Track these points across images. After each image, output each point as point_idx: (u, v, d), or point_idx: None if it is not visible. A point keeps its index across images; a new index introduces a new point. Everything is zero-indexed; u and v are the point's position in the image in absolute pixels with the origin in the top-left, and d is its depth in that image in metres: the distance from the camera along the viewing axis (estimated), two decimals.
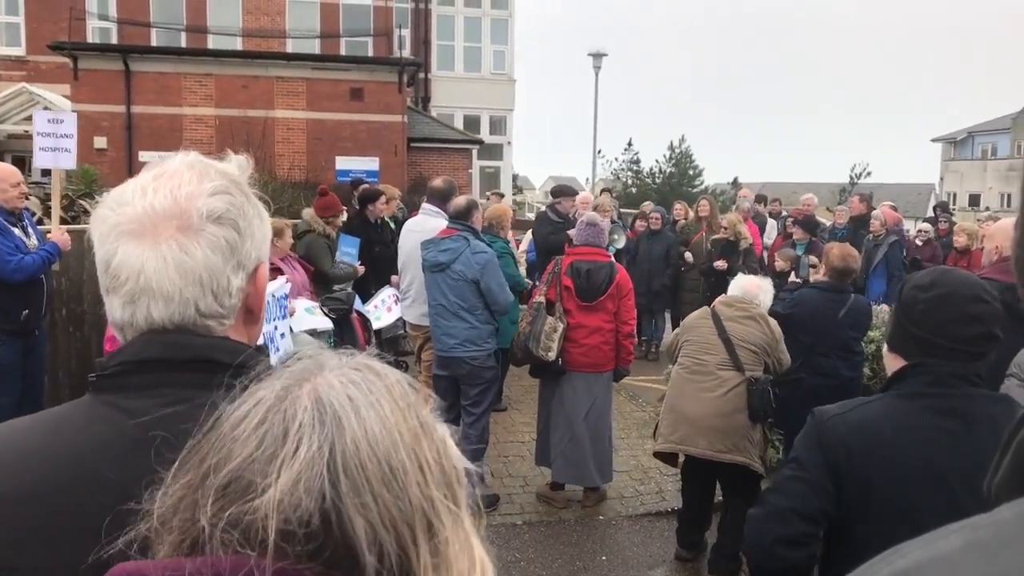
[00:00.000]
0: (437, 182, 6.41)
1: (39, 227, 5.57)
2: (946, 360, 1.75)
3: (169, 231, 1.02)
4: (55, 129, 5.58)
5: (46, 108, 16.60)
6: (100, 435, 1.00)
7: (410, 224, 6.52)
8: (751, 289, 4.84)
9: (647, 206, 12.48)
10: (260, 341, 1.27)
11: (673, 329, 10.83)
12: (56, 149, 5.59)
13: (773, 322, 4.73)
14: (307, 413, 0.66)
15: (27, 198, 5.44)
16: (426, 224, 6.00)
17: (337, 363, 0.72)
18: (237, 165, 1.13)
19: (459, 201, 5.61)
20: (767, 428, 4.66)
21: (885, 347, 1.96)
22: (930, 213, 13.38)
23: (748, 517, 1.95)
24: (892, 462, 1.73)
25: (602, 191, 14.53)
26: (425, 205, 6.29)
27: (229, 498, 0.63)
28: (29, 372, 5.15)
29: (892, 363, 1.91)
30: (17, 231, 4.97)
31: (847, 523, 1.79)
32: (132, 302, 1.03)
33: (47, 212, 8.48)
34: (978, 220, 15.45)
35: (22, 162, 14.22)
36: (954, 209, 32.17)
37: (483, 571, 0.72)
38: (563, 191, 9.15)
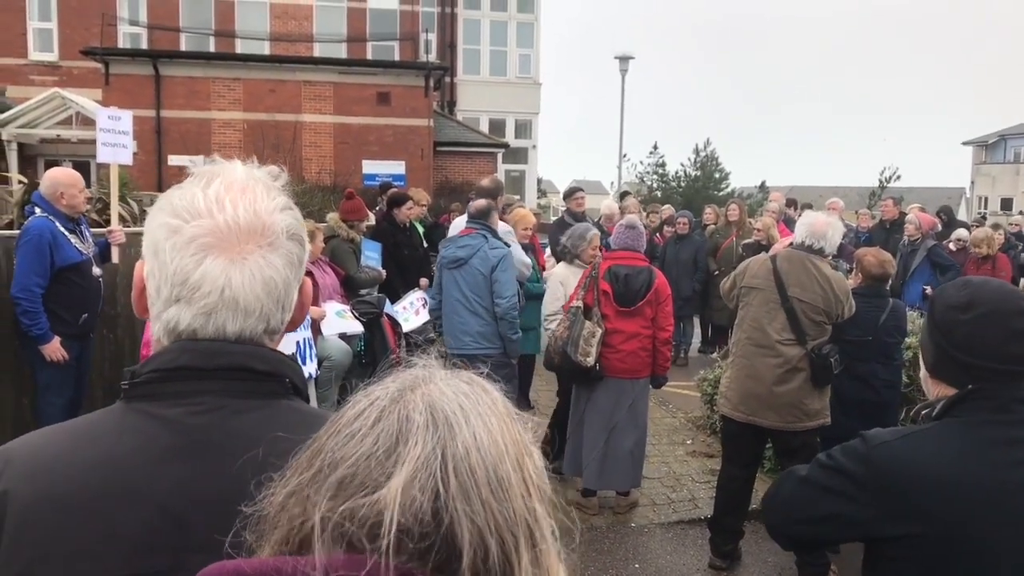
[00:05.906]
0: (485, 182, 6.91)
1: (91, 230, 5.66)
2: (1002, 383, 1.61)
3: (253, 246, 1.01)
4: (114, 126, 5.68)
5: (78, 113, 16.84)
6: (132, 444, 0.97)
7: (458, 223, 6.75)
8: (819, 228, 4.39)
9: (662, 209, 12.41)
10: (290, 351, 1.25)
11: (703, 334, 10.81)
12: (115, 145, 5.68)
13: (837, 279, 4.43)
14: (421, 416, 0.68)
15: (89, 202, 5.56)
16: None
17: (446, 374, 0.75)
18: (270, 175, 1.12)
19: (479, 203, 5.75)
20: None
21: (925, 372, 1.79)
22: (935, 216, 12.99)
23: (777, 481, 1.87)
24: (955, 495, 1.56)
25: (623, 195, 14.42)
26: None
27: (345, 493, 0.65)
28: (81, 374, 5.23)
29: (938, 390, 1.73)
30: (74, 238, 5.05)
31: (886, 550, 1.64)
32: (208, 314, 1.01)
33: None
34: (1011, 223, 15.10)
35: (55, 167, 14.35)
36: (984, 212, 31.65)
37: None
38: (570, 192, 9.29)
